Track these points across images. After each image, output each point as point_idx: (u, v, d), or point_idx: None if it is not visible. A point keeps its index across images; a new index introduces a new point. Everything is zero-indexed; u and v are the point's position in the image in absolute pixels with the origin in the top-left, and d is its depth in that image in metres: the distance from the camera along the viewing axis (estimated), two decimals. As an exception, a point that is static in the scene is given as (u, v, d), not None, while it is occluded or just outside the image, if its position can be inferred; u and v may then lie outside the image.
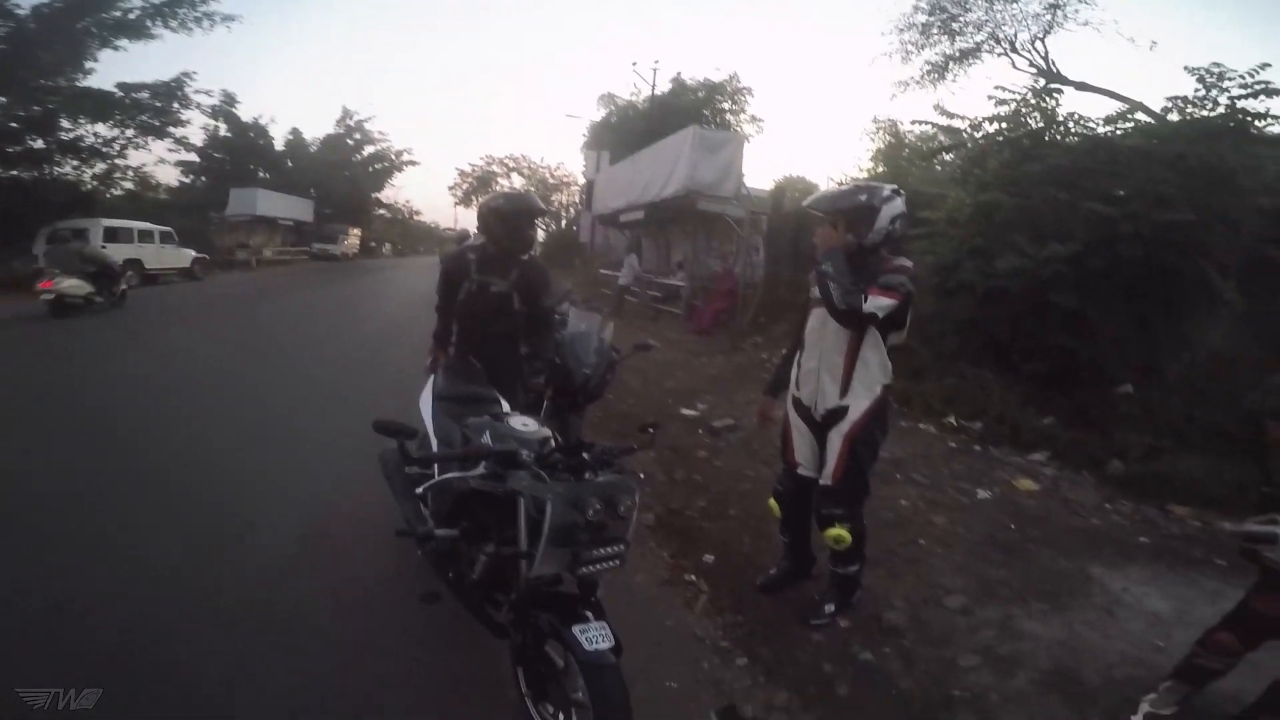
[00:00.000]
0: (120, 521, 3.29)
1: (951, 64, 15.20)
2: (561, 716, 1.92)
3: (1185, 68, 6.01)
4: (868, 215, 2.45)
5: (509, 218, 3.17)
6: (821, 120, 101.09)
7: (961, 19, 14.72)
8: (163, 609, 2.58)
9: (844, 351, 2.55)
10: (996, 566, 3.25)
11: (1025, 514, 3.95)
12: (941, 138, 9.38)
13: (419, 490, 2.33)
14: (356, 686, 2.25)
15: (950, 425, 5.54)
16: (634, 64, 38.75)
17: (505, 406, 2.89)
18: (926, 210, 7.28)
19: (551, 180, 38.19)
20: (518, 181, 38.49)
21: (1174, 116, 6.21)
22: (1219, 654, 2.08)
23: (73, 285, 9.97)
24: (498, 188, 37.68)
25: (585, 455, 2.01)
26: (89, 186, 16.69)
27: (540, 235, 35.04)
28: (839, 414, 2.58)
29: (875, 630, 2.69)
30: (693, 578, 3.14)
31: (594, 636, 1.74)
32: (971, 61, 14.98)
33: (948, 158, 8.45)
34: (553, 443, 2.29)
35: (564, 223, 35.54)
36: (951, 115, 7.71)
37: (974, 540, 3.54)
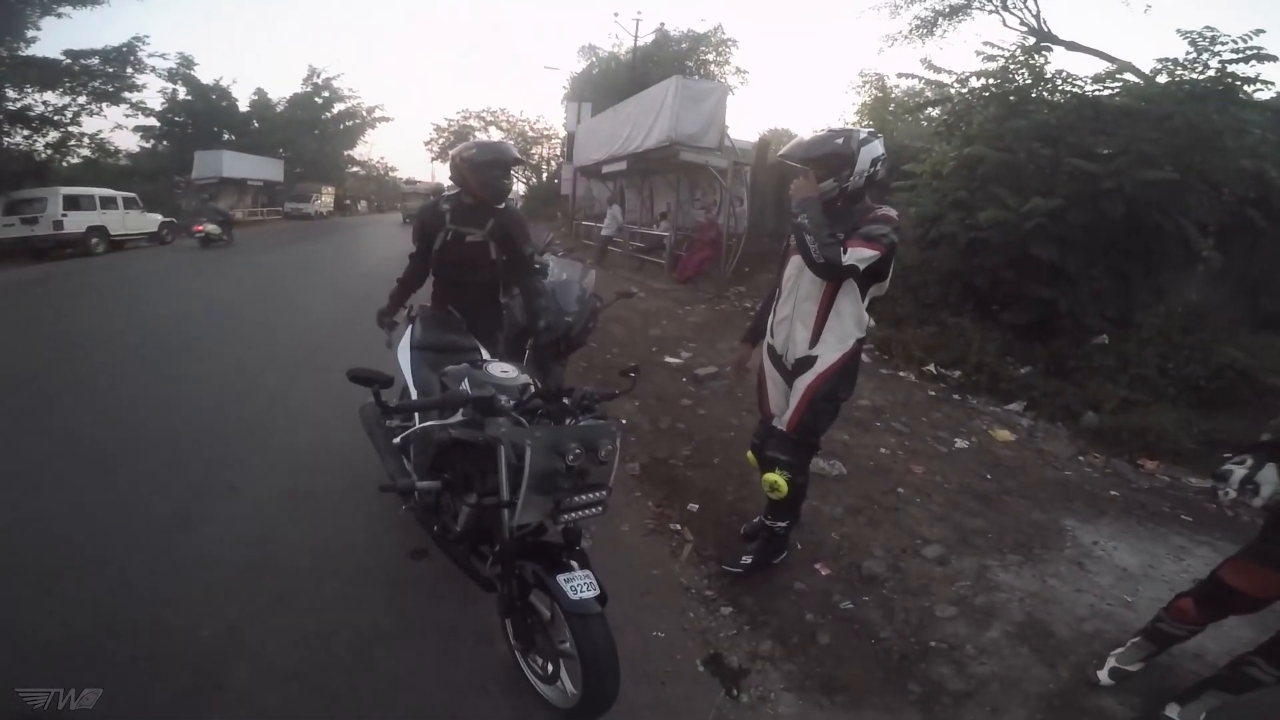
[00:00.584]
0: (104, 488, 3.20)
1: (941, 19, 14.62)
2: (550, 667, 1.92)
3: (1177, 30, 5.93)
4: (846, 160, 2.34)
5: (482, 167, 2.99)
6: (807, 73, 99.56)
7: (952, -28, 14.13)
8: (152, 576, 2.53)
9: (818, 300, 2.45)
10: (973, 516, 3.27)
11: (1002, 464, 3.99)
12: (928, 92, 9.17)
13: (397, 440, 2.28)
14: (350, 643, 2.24)
15: (930, 373, 5.56)
16: (615, 15, 37.15)
17: (485, 355, 2.82)
18: (911, 163, 7.24)
19: (531, 133, 36.69)
20: (496, 135, 36.53)
21: (1163, 78, 6.14)
22: (1181, 622, 2.09)
23: (213, 229, 15.32)
24: (474, 139, 36.12)
25: (565, 400, 1.95)
26: (43, 156, 16.04)
27: (521, 188, 34.53)
28: (807, 363, 2.49)
29: (856, 579, 2.70)
30: (678, 526, 3.13)
31: (578, 585, 1.72)
32: (961, 18, 14.40)
33: (933, 112, 8.29)
34: (532, 389, 2.21)
35: (545, 175, 34.48)
36: (939, 70, 7.60)
37: (951, 490, 3.56)
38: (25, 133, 15.41)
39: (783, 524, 2.69)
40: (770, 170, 12.72)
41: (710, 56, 25.84)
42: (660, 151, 10.49)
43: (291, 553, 2.77)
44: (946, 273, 6.49)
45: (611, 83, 23.88)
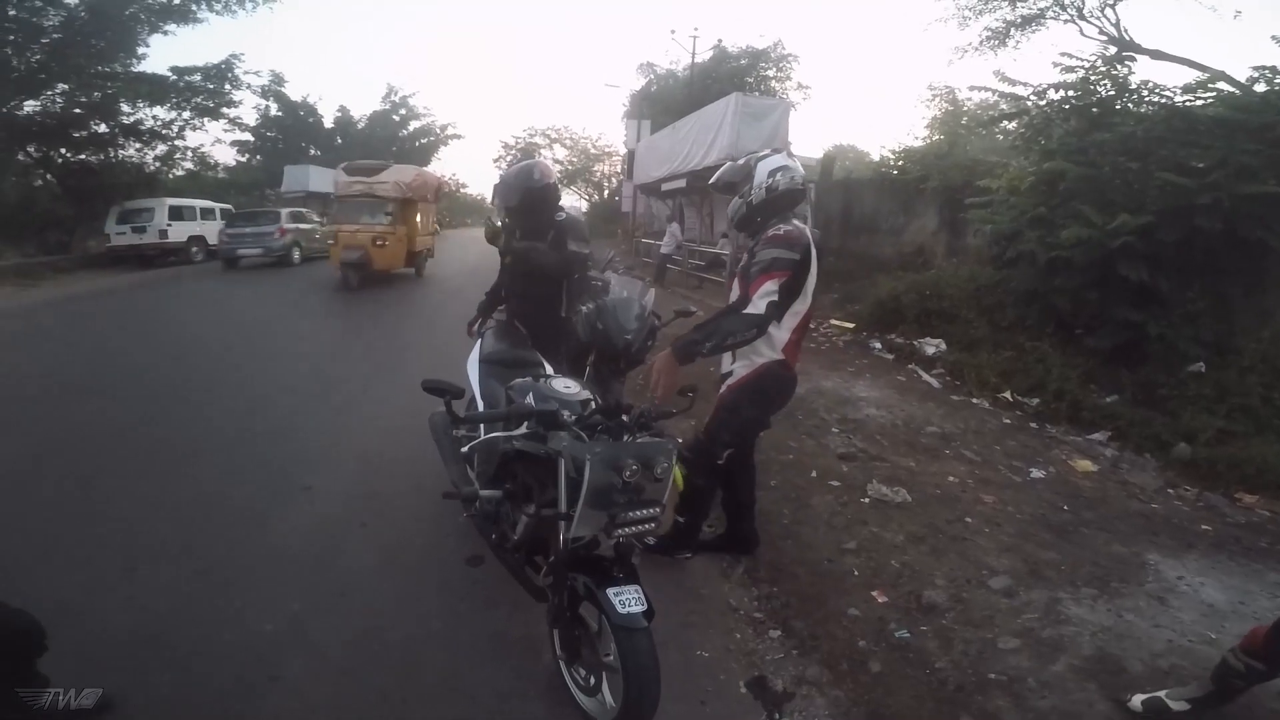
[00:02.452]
0: (187, 485, 3.50)
1: (1013, 30, 14.03)
2: (593, 679, 1.95)
3: (1273, 37, 5.53)
4: (746, 176, 2.52)
5: (516, 214, 3.32)
6: (874, 87, 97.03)
7: (1025, -20, 13.48)
8: (225, 567, 2.74)
9: None
10: (1045, 548, 3.12)
11: (1080, 495, 3.78)
12: (1003, 105, 8.89)
13: (464, 450, 2.38)
14: (402, 643, 2.33)
15: (1005, 400, 5.32)
16: (672, 32, 37.35)
17: (549, 369, 2.92)
18: (986, 179, 6.99)
19: (593, 151, 37.60)
20: (560, 153, 37.97)
21: (1260, 87, 5.75)
22: (1247, 651, 1.93)
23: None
24: (541, 157, 37.30)
25: (624, 417, 1.98)
26: (152, 168, 17.27)
27: (583, 205, 35.13)
28: (726, 377, 2.71)
29: (914, 608, 2.63)
30: None
31: (627, 600, 1.75)
32: (1035, 28, 13.79)
33: (1009, 126, 7.99)
34: (593, 404, 2.25)
35: (606, 193, 35.16)
36: (1013, 82, 7.32)
37: (1024, 520, 3.40)
38: (137, 145, 16.60)
39: (681, 519, 2.86)
40: (835, 186, 12.57)
41: (770, 72, 25.60)
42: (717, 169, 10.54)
43: (356, 551, 2.94)
44: (1024, 294, 6.20)
45: (670, 100, 24.12)
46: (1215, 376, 4.93)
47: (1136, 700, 2.13)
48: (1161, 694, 2.11)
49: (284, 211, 14.53)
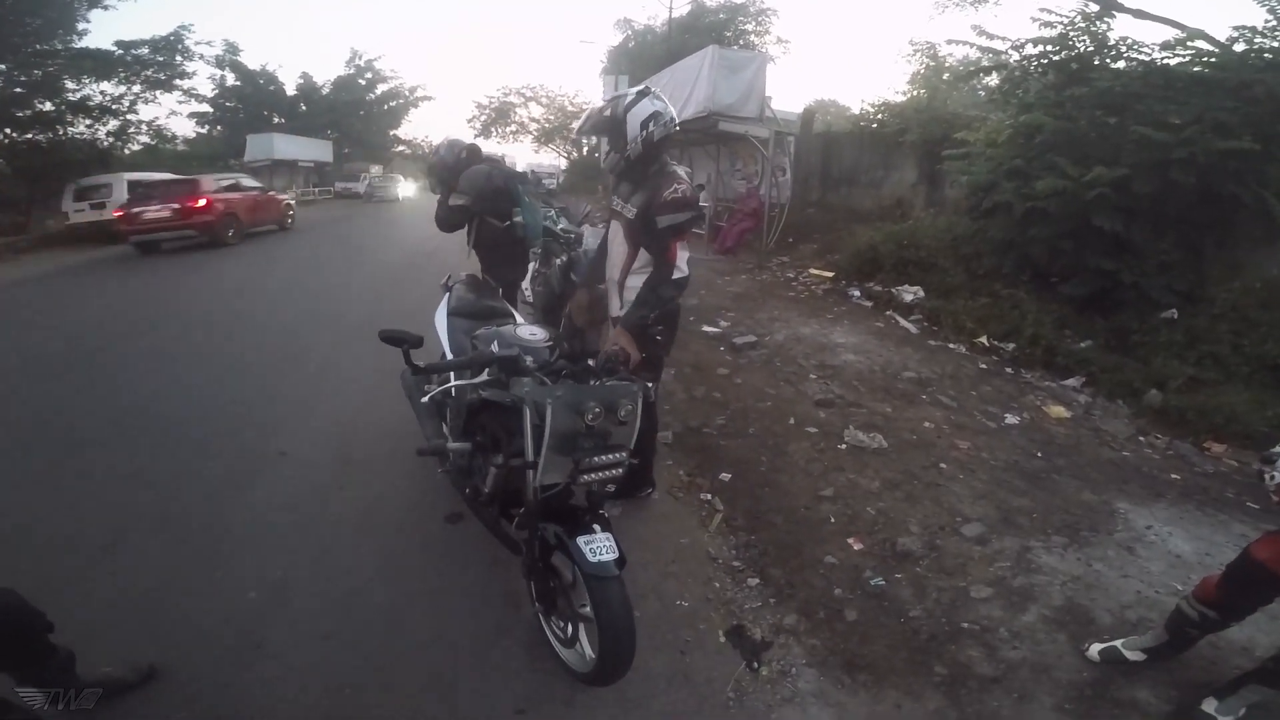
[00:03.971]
0: (163, 455, 3.34)
1: None
2: (570, 629, 1.90)
3: None
4: (617, 127, 2.32)
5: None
6: (854, 42, 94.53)
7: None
8: (205, 536, 2.64)
9: (619, 269, 2.53)
10: (1019, 495, 3.06)
11: (1054, 442, 3.72)
12: (984, 61, 8.62)
13: (424, 400, 2.29)
14: (384, 604, 2.27)
15: (982, 345, 5.22)
16: None
17: (518, 319, 2.83)
18: (964, 131, 6.88)
19: (570, 108, 35.41)
20: (536, 111, 36.23)
21: (1240, 46, 5.64)
22: (1201, 600, 1.90)
23: None
24: (516, 118, 35.99)
25: (590, 362, 1.92)
26: (105, 143, 16.31)
27: (562, 163, 34.09)
28: (615, 321, 2.58)
29: (890, 556, 2.57)
30: (709, 496, 3.04)
31: (598, 548, 1.69)
32: None
33: (989, 80, 7.83)
34: (558, 350, 2.22)
35: (585, 150, 33.97)
36: (991, 37, 7.05)
37: (998, 467, 3.34)
38: (87, 122, 15.66)
39: (635, 460, 2.85)
40: (815, 140, 12.19)
41: (749, 26, 25.08)
42: (698, 122, 10.12)
43: (335, 514, 2.83)
44: (1001, 243, 6.12)
45: (648, 55, 23.42)
46: (1187, 323, 4.88)
47: (1094, 649, 2.12)
48: (1118, 643, 2.10)
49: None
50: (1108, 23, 6.35)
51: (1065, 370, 4.80)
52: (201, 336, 5.64)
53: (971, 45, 7.51)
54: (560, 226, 4.96)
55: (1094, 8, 6.61)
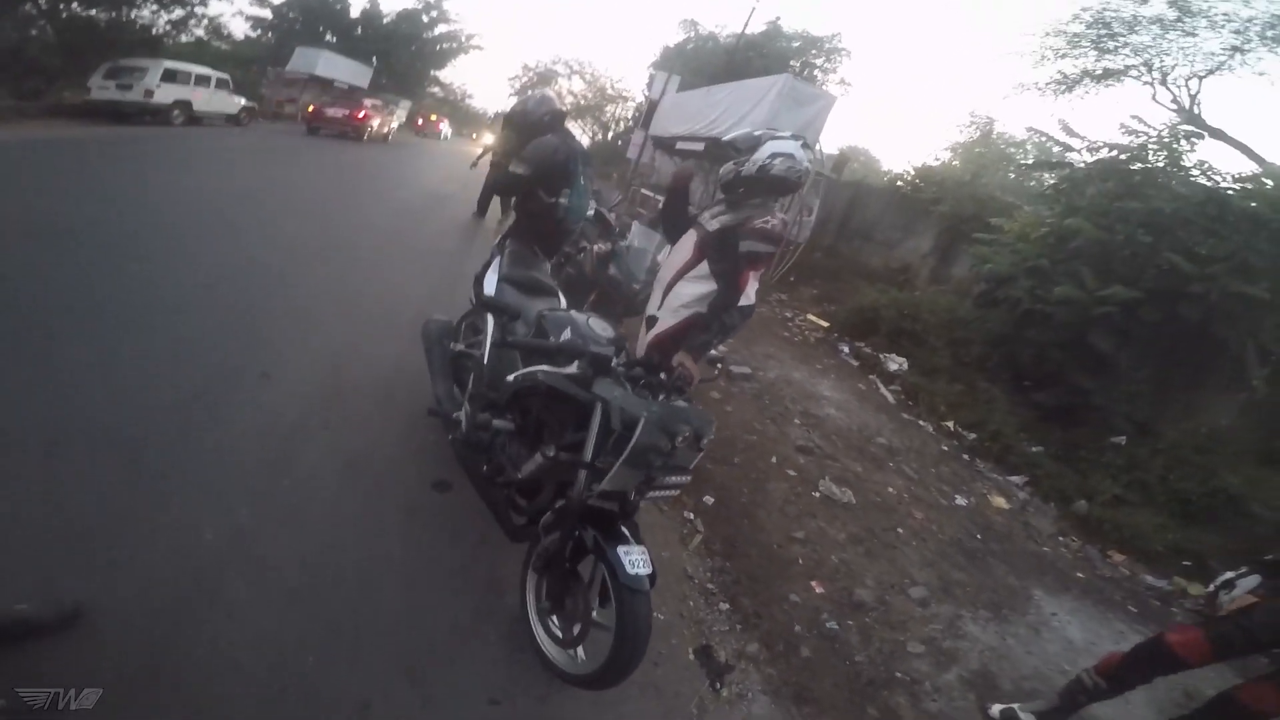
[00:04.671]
0: (132, 354, 2.99)
1: (1087, 79, 13.48)
2: (574, 632, 1.88)
3: None
4: (751, 147, 2.50)
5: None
6: (908, 98, 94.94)
7: (1122, 39, 12.88)
8: (164, 461, 2.33)
9: (674, 271, 2.65)
10: (958, 569, 3.45)
11: (992, 529, 4.14)
12: (1053, 149, 8.60)
13: (510, 378, 2.11)
14: (358, 569, 2.13)
15: (948, 429, 5.64)
16: None
17: (562, 301, 2.80)
18: (999, 218, 6.95)
19: (610, 92, 35.75)
20: (578, 85, 36.26)
21: None
22: (1099, 673, 2.35)
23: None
24: (556, 88, 35.52)
25: (663, 376, 1.91)
26: (161, 30, 15.89)
27: (586, 140, 33.88)
28: (651, 322, 2.75)
29: (845, 603, 2.89)
30: (691, 516, 3.25)
31: (636, 560, 1.71)
32: (1111, 83, 13.28)
33: (1047, 177, 7.65)
34: (624, 352, 2.13)
35: (610, 134, 34.00)
36: (1072, 133, 7.04)
37: (944, 541, 3.72)
38: (154, 7, 15.26)
39: None
40: (845, 188, 12.50)
41: (819, 61, 24.58)
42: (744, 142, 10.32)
43: (314, 457, 2.60)
44: (994, 337, 6.38)
45: (704, 61, 23.16)
46: (1130, 450, 5.35)
47: (995, 709, 2.51)
48: (1016, 706, 2.50)
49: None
50: (1191, 143, 6.19)
51: (1014, 467, 5.24)
52: (199, 232, 5.05)
53: (1047, 136, 7.40)
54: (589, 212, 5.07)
55: (1178, 122, 6.61)
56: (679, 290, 2.67)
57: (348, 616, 1.95)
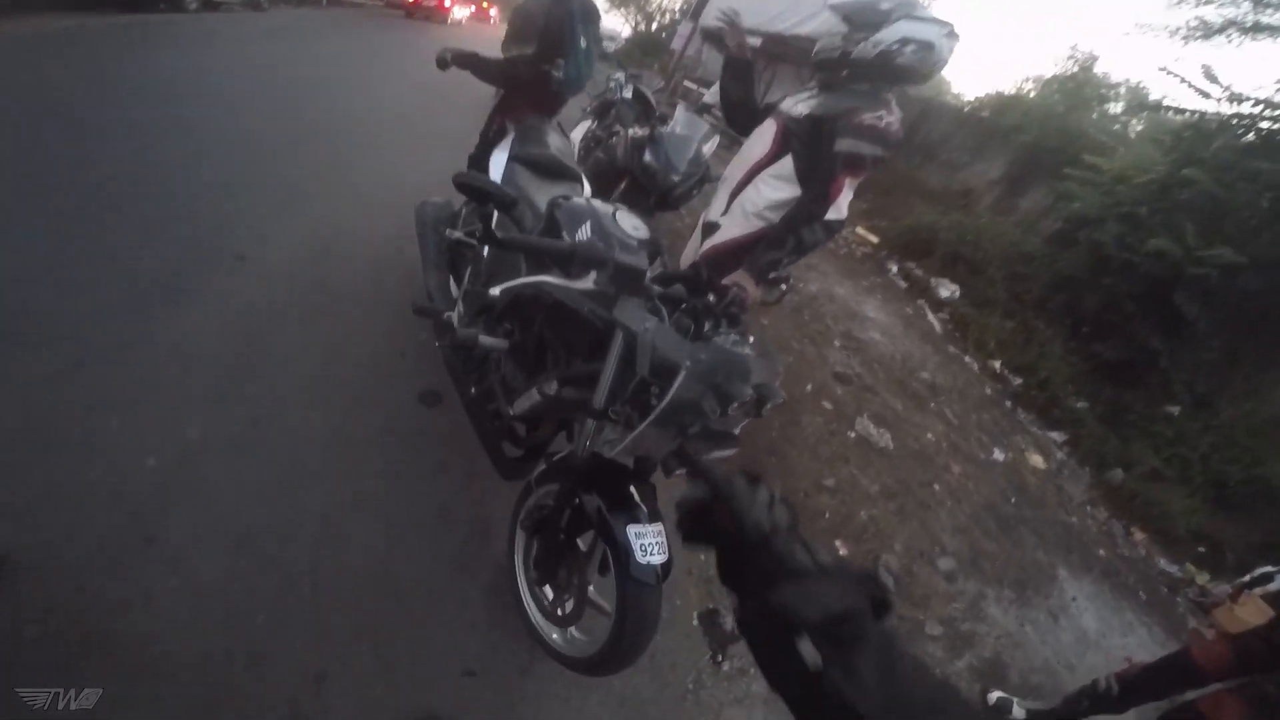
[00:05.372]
0: (97, 230, 2.49)
1: (1232, 29, 11.53)
2: (567, 609, 1.53)
3: None
4: (873, 21, 1.86)
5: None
6: (1005, 24, 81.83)
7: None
8: (109, 363, 1.96)
9: (746, 169, 2.13)
10: (989, 538, 3.12)
11: (1026, 491, 3.77)
12: (1130, 98, 7.49)
13: (494, 291, 1.53)
14: (324, 506, 1.80)
15: (993, 370, 5.14)
16: None
17: (587, 189, 2.23)
18: (1095, 156, 6.14)
19: None
20: None
21: None
22: (1118, 679, 2.11)
23: None
24: None
25: (711, 296, 1.39)
26: None
27: (625, 30, 29.76)
28: (711, 229, 2.23)
29: (869, 570, 2.62)
30: None
31: (650, 545, 1.35)
32: (1259, 36, 11.38)
33: (1137, 123, 6.59)
34: (662, 260, 1.59)
35: (654, 25, 29.52)
36: (1213, 79, 5.84)
37: (979, 503, 3.37)
38: None
39: None
40: (914, 102, 10.96)
41: None
42: (805, 43, 8.80)
43: (283, 356, 2.21)
44: (1062, 278, 5.75)
45: None
46: (1181, 423, 4.91)
47: (993, 696, 2.29)
48: (1014, 699, 2.28)
49: None
50: None
51: (1056, 422, 4.82)
52: (193, 107, 4.18)
53: (1183, 80, 6.41)
54: (625, 93, 4.21)
55: None
56: (752, 193, 2.10)
57: (306, 565, 1.64)
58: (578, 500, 1.42)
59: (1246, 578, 3.53)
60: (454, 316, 1.97)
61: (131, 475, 1.68)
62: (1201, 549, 4.12)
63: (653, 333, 1.18)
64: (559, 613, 1.57)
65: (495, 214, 1.51)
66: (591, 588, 1.49)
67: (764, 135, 2.08)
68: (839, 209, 1.96)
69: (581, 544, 1.54)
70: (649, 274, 1.37)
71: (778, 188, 2.05)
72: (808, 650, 0.56)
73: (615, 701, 1.71)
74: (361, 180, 3.56)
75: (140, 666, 1.36)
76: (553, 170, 2.20)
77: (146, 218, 2.63)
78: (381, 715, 1.47)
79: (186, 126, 3.64)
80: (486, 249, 1.92)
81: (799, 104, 2.00)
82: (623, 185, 3.32)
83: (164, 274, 2.37)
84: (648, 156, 3.26)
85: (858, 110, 1.86)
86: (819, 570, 0.64)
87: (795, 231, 1.95)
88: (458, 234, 1.83)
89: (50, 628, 1.36)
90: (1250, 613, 3.20)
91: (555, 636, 1.60)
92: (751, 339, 1.32)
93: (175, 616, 1.45)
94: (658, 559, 1.36)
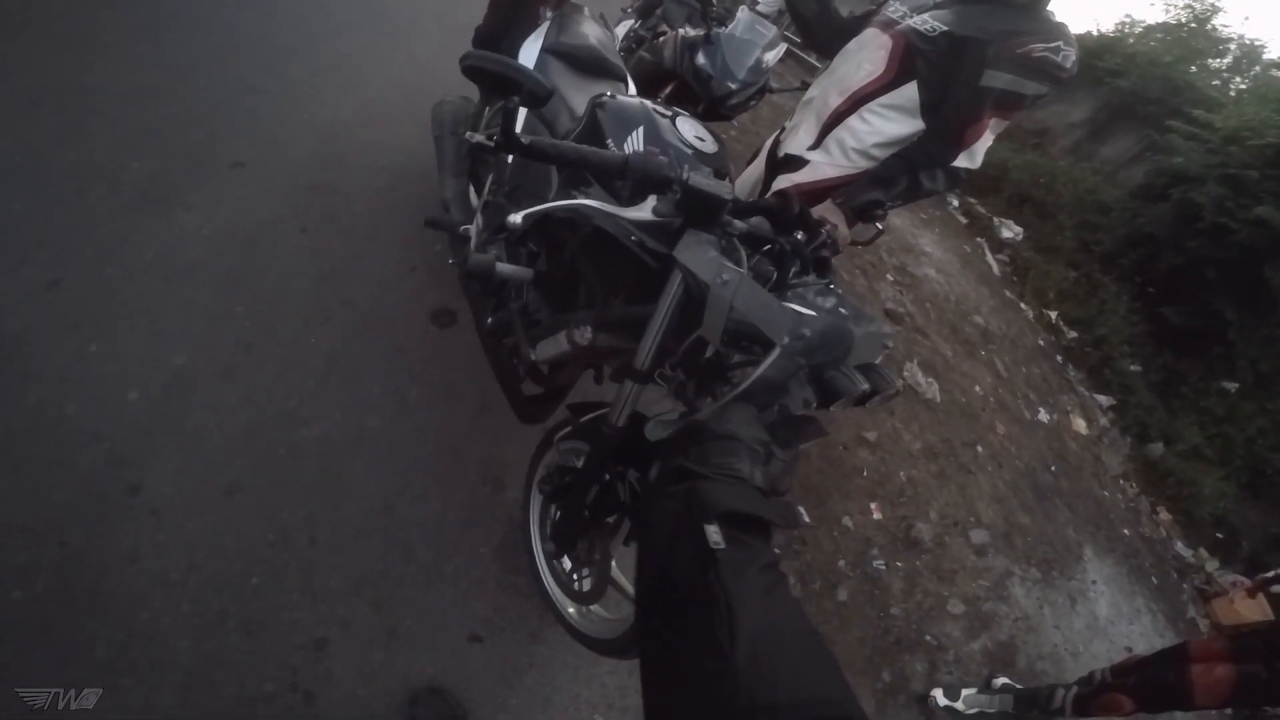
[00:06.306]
0: (81, 135, 2.01)
1: None
2: (587, 585, 1.30)
3: None
4: None
5: None
6: None
7: None
8: (90, 278, 1.67)
9: (846, 94, 1.61)
10: (1025, 511, 2.89)
11: (1066, 459, 3.50)
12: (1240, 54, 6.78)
13: (515, 219, 1.05)
14: (321, 443, 1.59)
15: (1048, 320, 4.71)
16: None
17: (632, 89, 1.83)
18: (1203, 111, 5.36)
19: None
20: None
21: None
22: (1112, 671, 1.94)
23: None
24: None
25: (799, 234, 1.05)
26: None
27: None
28: (794, 164, 1.74)
29: (901, 538, 2.36)
30: None
31: None
32: None
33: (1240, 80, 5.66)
34: (729, 178, 1.26)
35: None
36: None
37: (1019, 469, 3.11)
38: None
39: None
40: None
41: None
42: None
43: (280, 274, 1.91)
44: (1141, 234, 5.15)
45: None
46: (1235, 401, 4.52)
47: (999, 681, 2.14)
48: (1018, 686, 2.12)
49: None
50: None
51: (1105, 384, 4.46)
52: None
53: None
54: None
55: None
56: (858, 124, 1.60)
57: (302, 515, 1.46)
58: (608, 476, 1.13)
59: (1271, 573, 3.36)
60: (472, 230, 1.62)
61: (112, 411, 1.46)
62: (1219, 535, 3.94)
63: (734, 287, 0.86)
64: (578, 589, 1.34)
65: (521, 111, 1.14)
66: (615, 564, 1.23)
67: (872, 53, 1.57)
68: (973, 156, 1.51)
69: (610, 519, 1.25)
70: (720, 194, 0.96)
71: (894, 120, 1.56)
72: (714, 534, 0.59)
73: (625, 671, 1.56)
74: (378, 78, 2.98)
75: (130, 634, 1.23)
76: (593, 66, 1.80)
77: (136, 123, 2.16)
78: (383, 685, 1.32)
79: (187, 25, 2.81)
80: (512, 156, 1.52)
81: (926, 15, 1.49)
82: (668, 90, 2.80)
83: (152, 183, 1.98)
84: (701, 59, 2.72)
85: (1022, 35, 1.37)
86: (750, 480, 0.70)
87: (912, 173, 1.52)
88: (479, 137, 1.36)
89: (35, 591, 1.22)
90: (1250, 609, 3.03)
91: (572, 611, 1.38)
92: (840, 292, 0.97)
93: (165, 577, 1.30)
94: None
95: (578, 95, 1.59)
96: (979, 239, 5.42)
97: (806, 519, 0.77)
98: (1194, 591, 3.41)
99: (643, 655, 0.63)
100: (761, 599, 0.56)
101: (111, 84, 2.23)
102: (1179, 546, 3.70)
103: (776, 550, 0.62)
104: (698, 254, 0.92)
